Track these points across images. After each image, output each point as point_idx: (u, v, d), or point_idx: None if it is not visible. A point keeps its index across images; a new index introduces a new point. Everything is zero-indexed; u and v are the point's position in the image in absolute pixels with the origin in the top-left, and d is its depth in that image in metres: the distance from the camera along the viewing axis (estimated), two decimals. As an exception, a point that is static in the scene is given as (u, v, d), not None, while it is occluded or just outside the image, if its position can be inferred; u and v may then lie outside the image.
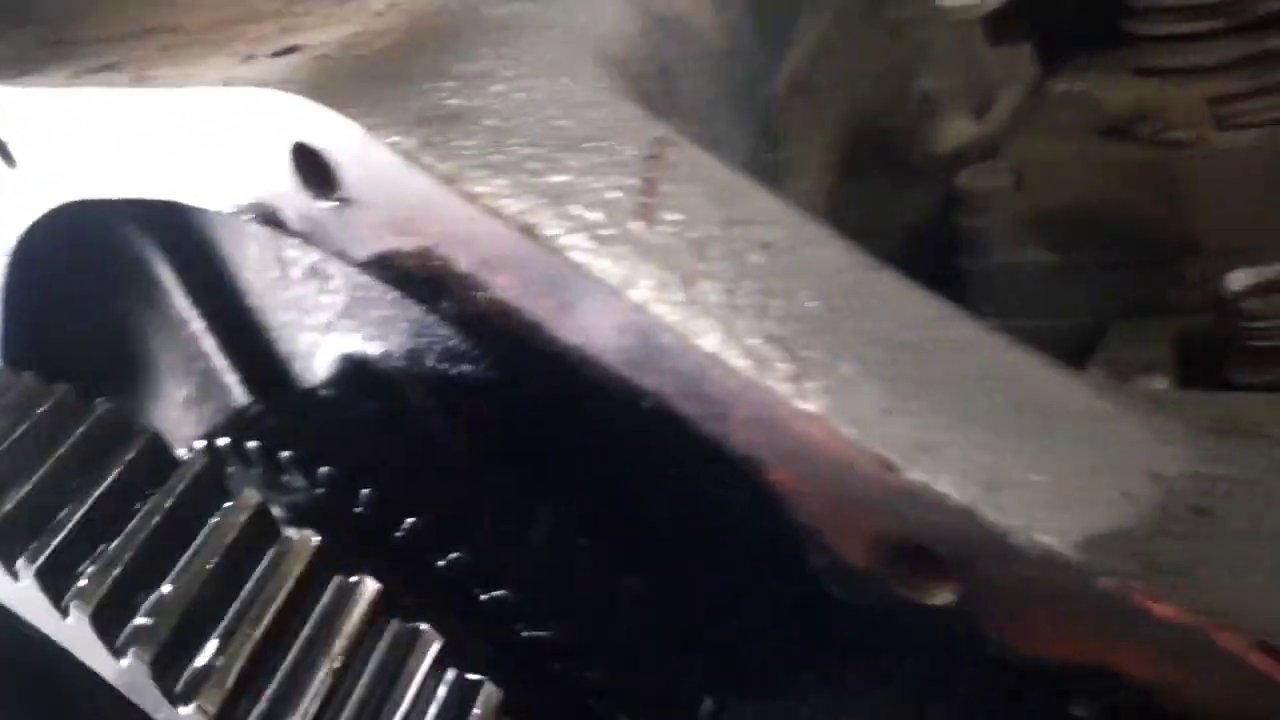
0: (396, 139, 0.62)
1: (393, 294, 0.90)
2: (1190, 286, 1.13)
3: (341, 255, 0.68)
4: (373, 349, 0.94)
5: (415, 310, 0.90)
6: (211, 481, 0.65)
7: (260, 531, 0.62)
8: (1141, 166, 1.14)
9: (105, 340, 1.09)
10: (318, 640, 0.59)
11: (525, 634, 0.80)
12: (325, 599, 0.61)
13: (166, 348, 1.08)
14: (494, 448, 0.90)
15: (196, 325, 1.05)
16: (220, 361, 1.06)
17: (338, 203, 0.66)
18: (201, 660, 0.57)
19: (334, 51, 0.68)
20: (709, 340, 0.57)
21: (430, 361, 0.91)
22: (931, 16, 1.40)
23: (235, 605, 0.59)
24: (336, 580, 0.62)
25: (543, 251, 0.59)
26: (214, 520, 0.62)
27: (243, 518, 0.62)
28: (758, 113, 1.46)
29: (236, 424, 0.94)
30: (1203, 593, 0.50)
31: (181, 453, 0.77)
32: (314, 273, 0.94)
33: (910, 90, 1.50)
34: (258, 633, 0.58)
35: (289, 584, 0.60)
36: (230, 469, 0.90)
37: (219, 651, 0.57)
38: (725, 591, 0.86)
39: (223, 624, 0.58)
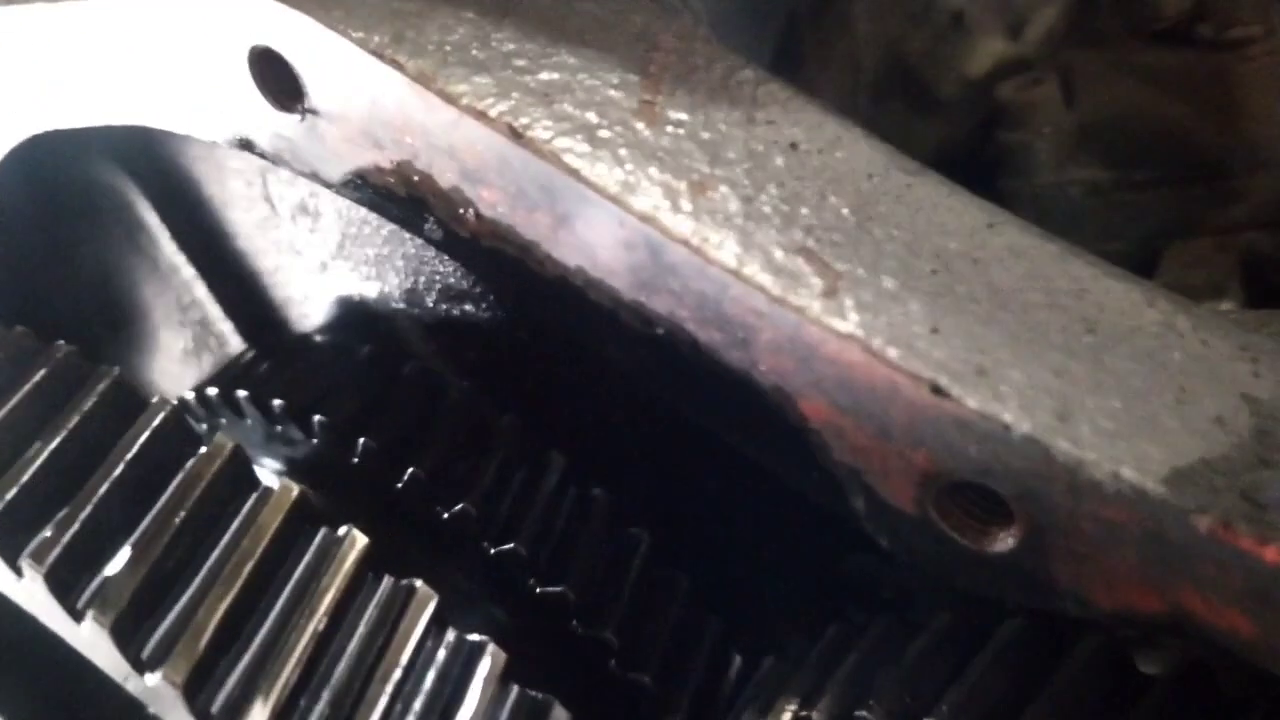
0: (362, 34, 0.54)
1: (387, 229, 0.83)
2: (1250, 202, 1.04)
3: (315, 177, 0.61)
4: (369, 290, 0.87)
5: (411, 246, 0.83)
6: (178, 431, 0.58)
7: (236, 480, 0.56)
8: (1197, 72, 1.04)
9: (96, 292, 1.03)
10: (300, 599, 0.53)
11: (539, 590, 0.74)
12: (308, 555, 0.55)
13: (159, 298, 1.02)
14: (498, 392, 0.83)
15: (187, 272, 0.99)
16: (214, 310, 1.00)
17: (305, 115, 0.58)
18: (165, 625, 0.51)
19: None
20: (727, 253, 0.49)
21: (430, 301, 0.84)
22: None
23: (207, 564, 0.53)
24: (322, 532, 0.55)
25: (532, 157, 0.52)
26: (184, 470, 0.56)
27: (215, 466, 0.56)
28: (777, 32, 1.36)
29: (227, 374, 0.88)
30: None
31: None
32: (303, 209, 0.87)
33: (938, 9, 1.40)
34: (232, 592, 0.51)
35: (266, 538, 0.53)
36: (221, 420, 0.84)
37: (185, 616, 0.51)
38: (744, 541, 0.79)
39: (194, 584, 0.52)
